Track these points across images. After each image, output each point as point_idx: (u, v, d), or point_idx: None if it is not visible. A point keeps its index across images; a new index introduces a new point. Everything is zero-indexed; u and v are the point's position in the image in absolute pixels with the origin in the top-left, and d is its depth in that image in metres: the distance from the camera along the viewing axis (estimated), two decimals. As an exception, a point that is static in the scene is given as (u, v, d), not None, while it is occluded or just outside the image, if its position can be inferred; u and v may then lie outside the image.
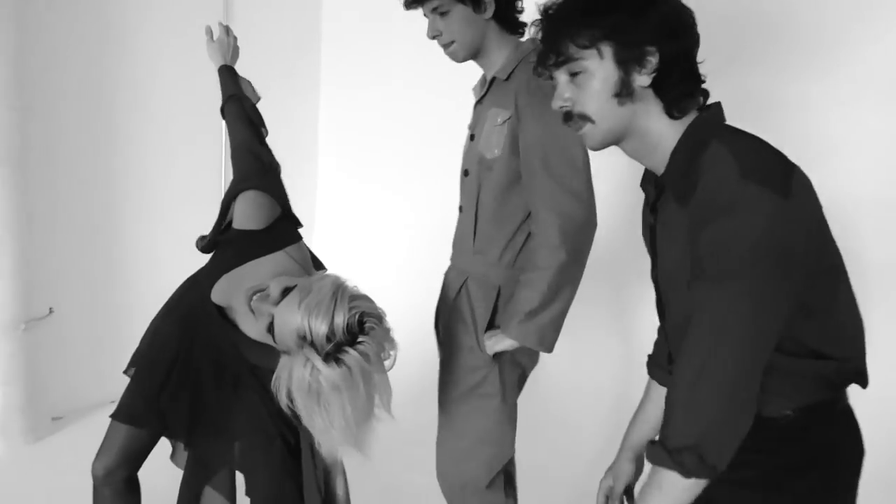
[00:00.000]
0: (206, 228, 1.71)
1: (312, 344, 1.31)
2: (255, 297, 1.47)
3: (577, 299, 1.74)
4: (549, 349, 1.75)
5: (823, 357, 1.07)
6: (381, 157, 3.84)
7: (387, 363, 1.37)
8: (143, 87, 3.30)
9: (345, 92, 3.97)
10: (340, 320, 1.30)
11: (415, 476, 2.46)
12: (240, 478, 1.70)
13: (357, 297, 1.36)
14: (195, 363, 1.69)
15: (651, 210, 1.22)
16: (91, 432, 1.91)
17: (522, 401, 1.92)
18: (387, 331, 1.37)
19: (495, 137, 1.73)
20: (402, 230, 3.77)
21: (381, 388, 1.35)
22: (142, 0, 3.27)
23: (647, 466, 1.19)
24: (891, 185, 2.54)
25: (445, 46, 1.76)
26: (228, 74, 1.95)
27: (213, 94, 1.96)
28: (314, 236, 3.99)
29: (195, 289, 1.70)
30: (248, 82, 2.01)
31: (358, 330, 1.32)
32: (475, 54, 1.77)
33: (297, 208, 1.71)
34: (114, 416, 1.72)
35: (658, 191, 1.19)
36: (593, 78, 1.08)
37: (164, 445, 1.81)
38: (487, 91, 1.80)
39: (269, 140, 1.87)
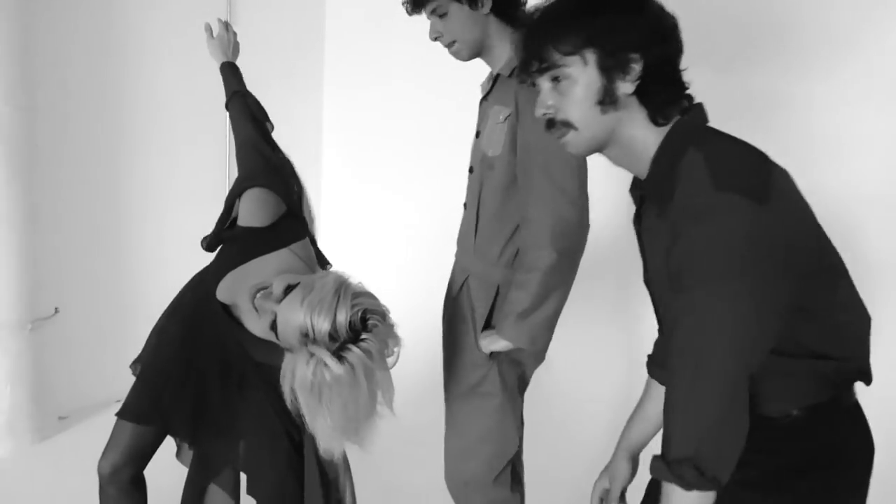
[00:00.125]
0: (212, 227, 1.71)
1: (315, 341, 1.31)
2: (258, 295, 1.48)
3: (579, 300, 1.73)
4: (542, 349, 1.74)
5: (823, 357, 1.07)
6: (384, 156, 3.84)
7: (390, 360, 1.37)
8: (148, 86, 3.31)
9: (348, 91, 3.97)
10: (343, 317, 1.30)
11: (416, 476, 2.46)
12: (243, 476, 1.71)
13: (360, 294, 1.36)
14: (201, 361, 1.69)
15: (636, 217, 1.21)
16: (97, 431, 1.91)
17: (523, 402, 1.91)
18: (390, 327, 1.37)
19: (496, 135, 1.72)
20: (406, 229, 3.77)
21: (384, 385, 1.35)
22: None
23: (644, 466, 1.19)
24: (896, 184, 2.53)
25: (448, 46, 1.76)
26: (230, 71, 1.96)
27: (218, 93, 1.97)
28: (318, 235, 3.98)
29: (200, 287, 1.70)
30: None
31: (361, 327, 1.32)
32: (479, 51, 1.76)
33: (301, 207, 1.72)
34: (120, 415, 1.72)
35: (641, 198, 1.18)
36: (576, 85, 1.07)
37: (169, 444, 1.81)
38: (492, 88, 1.79)
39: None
